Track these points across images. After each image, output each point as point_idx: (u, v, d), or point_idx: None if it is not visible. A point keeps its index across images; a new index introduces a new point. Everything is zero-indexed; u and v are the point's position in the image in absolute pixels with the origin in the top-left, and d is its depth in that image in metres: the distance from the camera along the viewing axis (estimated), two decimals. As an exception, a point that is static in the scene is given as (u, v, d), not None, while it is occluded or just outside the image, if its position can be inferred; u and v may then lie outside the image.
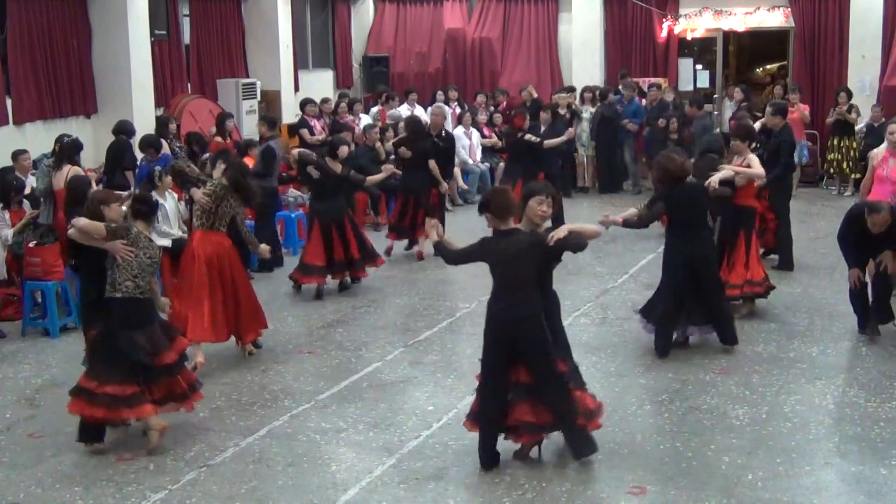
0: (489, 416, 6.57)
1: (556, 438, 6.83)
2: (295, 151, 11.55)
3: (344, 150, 11.14)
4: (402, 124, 13.71)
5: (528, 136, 13.22)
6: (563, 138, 13.98)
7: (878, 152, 10.15)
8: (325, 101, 16.19)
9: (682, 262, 8.62)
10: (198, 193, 8.78)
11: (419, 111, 17.09)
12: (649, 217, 8.49)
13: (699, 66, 19.23)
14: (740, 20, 18.64)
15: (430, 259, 12.46)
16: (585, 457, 6.62)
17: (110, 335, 6.95)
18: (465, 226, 12.49)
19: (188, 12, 15.89)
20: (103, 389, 6.81)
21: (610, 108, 16.92)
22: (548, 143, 13.38)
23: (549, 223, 6.85)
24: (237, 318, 8.79)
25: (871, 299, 9.14)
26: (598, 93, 17.29)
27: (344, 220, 10.95)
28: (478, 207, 6.62)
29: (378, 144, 14.54)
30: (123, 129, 12.47)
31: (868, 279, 9.09)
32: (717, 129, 16.04)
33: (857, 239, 8.87)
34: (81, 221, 7.06)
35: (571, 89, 17.67)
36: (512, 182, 13.17)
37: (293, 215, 13.20)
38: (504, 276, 6.45)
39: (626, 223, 8.31)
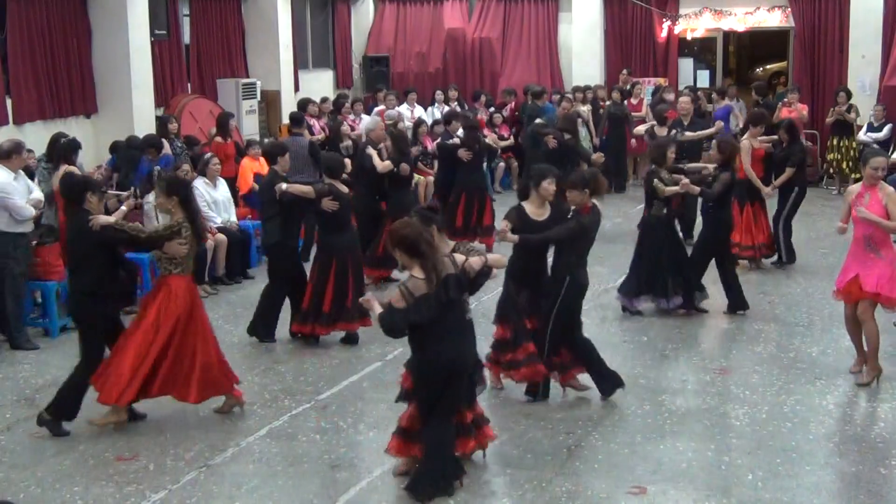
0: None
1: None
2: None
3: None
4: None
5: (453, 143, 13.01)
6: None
7: (854, 189, 8.25)
8: (324, 100, 16.18)
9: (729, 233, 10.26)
10: (175, 247, 7.28)
11: (419, 111, 17.07)
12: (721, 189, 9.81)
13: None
14: (740, 20, 18.63)
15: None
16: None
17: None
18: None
19: (188, 12, 15.87)
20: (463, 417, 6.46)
21: (616, 106, 16.97)
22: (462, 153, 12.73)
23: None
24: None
25: None
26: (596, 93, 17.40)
27: (357, 254, 9.58)
28: (576, 184, 7.67)
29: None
30: (135, 146, 12.37)
31: None
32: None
33: None
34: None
35: (580, 89, 17.66)
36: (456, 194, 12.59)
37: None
38: (589, 248, 7.74)
39: (705, 195, 9.82)
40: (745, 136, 12.00)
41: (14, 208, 9.10)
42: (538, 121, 14.45)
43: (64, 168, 10.65)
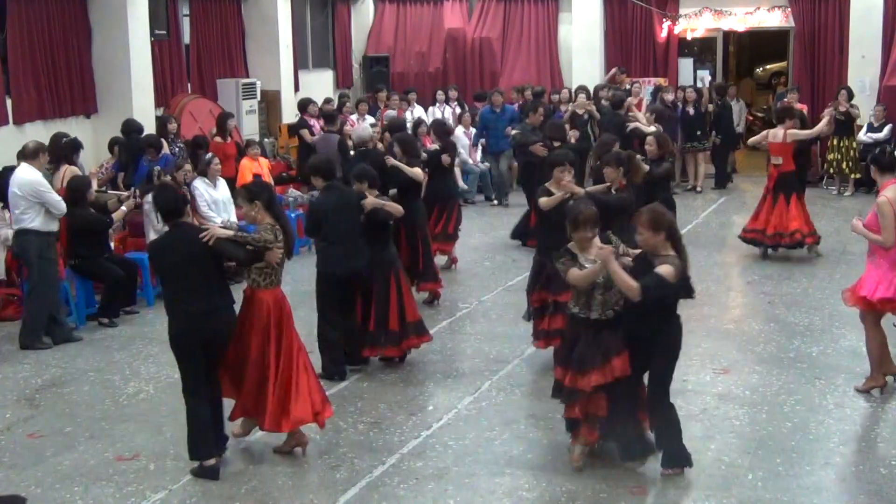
0: None
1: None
2: (371, 202, 8.42)
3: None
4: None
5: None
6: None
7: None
8: (328, 101, 16.17)
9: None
10: (274, 254, 6.72)
11: (419, 111, 17.06)
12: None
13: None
14: (740, 20, 18.66)
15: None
16: None
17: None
18: (464, 225, 12.48)
19: (188, 12, 15.88)
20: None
21: (607, 107, 16.93)
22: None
23: None
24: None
25: None
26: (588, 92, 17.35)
27: (400, 270, 8.83)
28: (610, 161, 8.53)
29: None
30: (134, 128, 12.40)
31: None
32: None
33: None
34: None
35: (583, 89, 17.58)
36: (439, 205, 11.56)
37: (293, 215, 13.16)
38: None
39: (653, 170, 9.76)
40: (779, 128, 12.03)
41: (52, 202, 9.20)
42: (514, 131, 13.75)
43: (65, 168, 10.68)
